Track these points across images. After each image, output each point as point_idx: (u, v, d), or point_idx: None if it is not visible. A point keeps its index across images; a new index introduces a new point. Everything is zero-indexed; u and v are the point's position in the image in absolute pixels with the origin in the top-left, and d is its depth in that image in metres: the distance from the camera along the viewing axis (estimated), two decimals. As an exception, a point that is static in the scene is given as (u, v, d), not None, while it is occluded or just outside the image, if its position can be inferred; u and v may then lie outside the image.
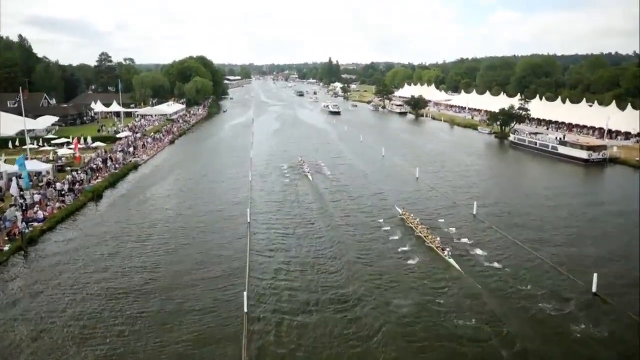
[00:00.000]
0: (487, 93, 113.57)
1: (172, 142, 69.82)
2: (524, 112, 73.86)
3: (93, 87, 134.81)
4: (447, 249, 26.45)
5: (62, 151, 51.05)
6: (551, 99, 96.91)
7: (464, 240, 28.87)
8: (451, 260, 25.56)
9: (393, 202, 36.65)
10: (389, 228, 31.03)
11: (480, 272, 24.53)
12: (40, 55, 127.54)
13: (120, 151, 54.75)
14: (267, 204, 37.41)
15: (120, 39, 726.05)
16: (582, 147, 55.39)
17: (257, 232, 30.78)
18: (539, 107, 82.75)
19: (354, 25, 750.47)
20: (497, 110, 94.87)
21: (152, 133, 69.20)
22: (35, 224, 31.23)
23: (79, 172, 43.31)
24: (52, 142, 58.53)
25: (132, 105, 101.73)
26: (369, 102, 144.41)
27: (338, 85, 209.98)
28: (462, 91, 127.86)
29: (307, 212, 35.13)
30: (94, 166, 46.86)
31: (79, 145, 53.44)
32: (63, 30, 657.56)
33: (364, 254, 27.13)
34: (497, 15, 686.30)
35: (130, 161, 52.30)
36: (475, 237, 29.51)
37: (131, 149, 56.61)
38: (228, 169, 50.19)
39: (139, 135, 66.78)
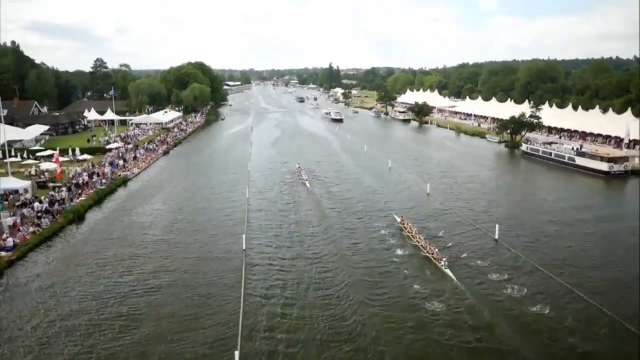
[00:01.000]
0: (493, 99, 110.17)
1: (166, 152, 66.33)
2: (535, 120, 70.50)
3: (89, 94, 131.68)
4: (444, 259, 26.05)
5: (45, 165, 47.46)
6: (558, 105, 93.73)
7: (494, 275, 25.22)
8: (447, 271, 25.31)
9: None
10: (405, 260, 27.50)
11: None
12: (38, 61, 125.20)
13: (109, 164, 51.25)
14: (265, 228, 33.60)
15: (120, 44, 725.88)
16: (602, 158, 51.85)
17: (253, 263, 27.19)
18: (549, 115, 79.13)
19: (354, 30, 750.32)
20: (504, 118, 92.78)
21: (144, 143, 65.60)
22: (4, 253, 27.68)
23: (61, 189, 39.80)
24: (38, 154, 54.99)
25: (127, 113, 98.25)
26: (370, 109, 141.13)
27: (339, 90, 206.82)
28: (467, 97, 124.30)
29: (310, 238, 31.33)
30: (80, 181, 43.40)
31: (65, 158, 49.96)
32: (63, 36, 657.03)
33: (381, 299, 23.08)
34: (496, 20, 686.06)
35: (119, 175, 48.76)
36: (504, 270, 25.88)
37: (121, 162, 53.08)
38: (224, 184, 46.49)
39: (130, 146, 63.25)
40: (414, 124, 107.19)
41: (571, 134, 75.87)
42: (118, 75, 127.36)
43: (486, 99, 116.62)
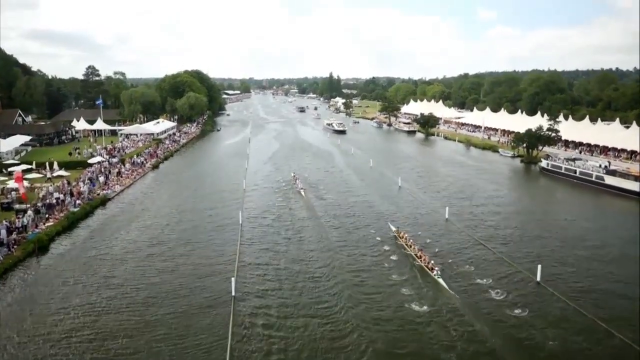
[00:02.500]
0: (502, 111, 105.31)
1: (155, 167, 61.08)
2: (553, 134, 65.52)
3: (81, 102, 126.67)
4: (437, 268, 26.04)
5: (13, 183, 42.04)
6: (566, 116, 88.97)
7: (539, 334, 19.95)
8: (440, 280, 25.18)
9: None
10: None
11: None
12: (35, 68, 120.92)
13: (87, 181, 45.97)
14: (259, 268, 28.17)
15: (121, 52, 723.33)
16: (636, 178, 46.72)
17: (243, 312, 21.84)
18: (565, 127, 74.14)
19: (353, 40, 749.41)
20: (514, 130, 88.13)
21: (132, 157, 60.31)
22: None
23: (27, 212, 34.50)
24: (10, 169, 49.62)
25: (117, 124, 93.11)
26: (372, 119, 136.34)
27: (339, 100, 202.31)
28: (475, 108, 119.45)
29: (313, 288, 25.54)
30: (51, 202, 38.10)
31: (36, 175, 44.67)
32: (64, 44, 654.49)
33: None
34: (495, 31, 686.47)
35: (98, 195, 43.46)
36: (547, 319, 20.59)
37: (102, 178, 47.79)
38: (214, 208, 40.78)
39: (115, 160, 57.95)
40: (420, 135, 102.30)
41: (591, 148, 70.89)
42: (111, 83, 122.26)
43: (493, 110, 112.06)
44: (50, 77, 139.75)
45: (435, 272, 25.66)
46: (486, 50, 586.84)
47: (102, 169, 51.94)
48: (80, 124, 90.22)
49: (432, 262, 26.93)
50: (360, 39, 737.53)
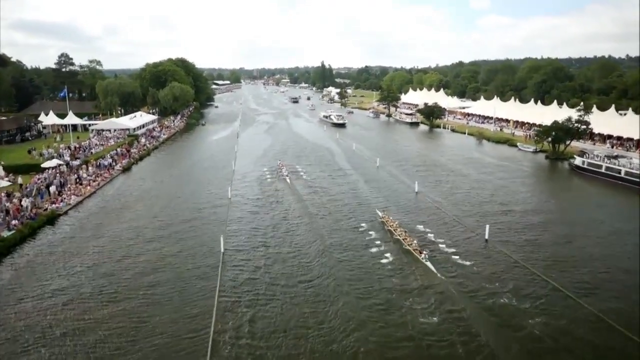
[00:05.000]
0: (512, 100, 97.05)
1: (126, 169, 52.21)
2: (582, 127, 57.59)
3: (53, 94, 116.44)
4: (425, 252, 26.02)
5: None
6: (575, 104, 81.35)
7: None
8: (428, 263, 25.08)
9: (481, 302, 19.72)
10: None
11: None
12: (23, 60, 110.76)
13: (36, 192, 37.15)
14: (249, 319, 20.11)
15: (111, 44, 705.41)
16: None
17: None
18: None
19: (345, 30, 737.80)
20: (528, 121, 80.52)
21: (96, 159, 51.29)
22: None
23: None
24: (-58, 177, 40.70)
25: (91, 117, 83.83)
26: (369, 109, 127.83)
27: (333, 90, 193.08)
28: (482, 97, 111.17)
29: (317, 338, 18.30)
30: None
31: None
32: (51, 35, 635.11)
33: None
34: (488, 20, 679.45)
35: (46, 209, 34.73)
36: None
37: (53, 188, 38.92)
38: (190, 230, 31.90)
39: (77, 162, 48.92)
40: (423, 127, 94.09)
41: (622, 142, 63.09)
42: (86, 72, 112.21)
43: (506, 100, 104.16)
44: (29, 67, 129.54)
45: (423, 256, 25.80)
46: (478, 39, 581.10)
47: (56, 174, 43.04)
48: (49, 119, 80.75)
49: (416, 242, 27.41)
50: (351, 29, 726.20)
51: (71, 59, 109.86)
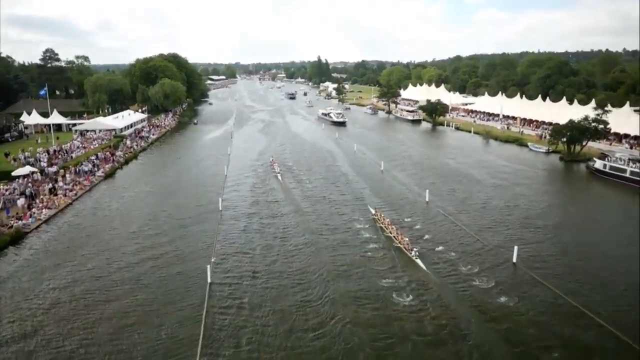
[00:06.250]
0: (518, 96, 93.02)
1: (110, 174, 47.99)
2: (600, 126, 53.74)
3: (39, 92, 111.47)
4: (415, 249, 26.12)
5: None
6: (584, 101, 77.71)
7: None
8: (418, 260, 25.22)
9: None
10: None
11: None
12: (15, 57, 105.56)
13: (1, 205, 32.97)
14: None
15: (105, 39, 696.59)
16: None
17: None
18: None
19: (341, 24, 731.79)
20: (536, 119, 76.87)
21: (75, 164, 46.99)
22: None
23: None
24: None
25: (70, 117, 79.27)
26: (367, 105, 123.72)
27: (330, 85, 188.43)
28: (486, 93, 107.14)
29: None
30: None
31: None
32: (44, 30, 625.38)
33: None
34: (482, 14, 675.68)
35: (11, 227, 30.57)
36: None
37: (21, 201, 34.72)
38: (174, 250, 27.91)
39: (54, 169, 44.61)
40: (425, 125, 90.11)
41: (638, 141, 59.31)
42: (73, 69, 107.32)
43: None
44: (23, 64, 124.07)
45: (413, 253, 26.00)
46: (473, 34, 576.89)
47: (30, 184, 38.81)
48: (32, 118, 76.22)
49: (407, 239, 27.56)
50: (347, 24, 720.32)
51: (57, 54, 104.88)
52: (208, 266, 24.08)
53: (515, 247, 26.21)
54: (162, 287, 23.30)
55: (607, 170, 46.21)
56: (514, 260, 25.75)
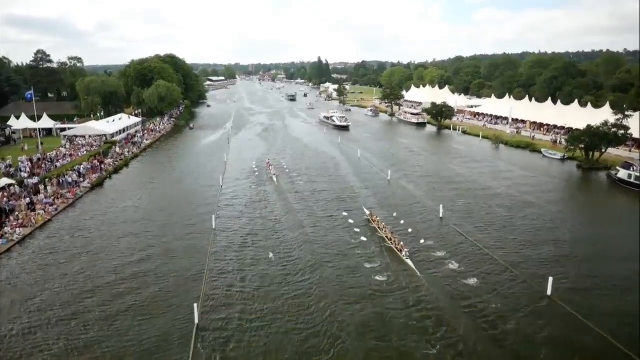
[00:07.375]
0: (527, 99, 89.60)
1: (98, 184, 44.57)
2: (621, 132, 50.38)
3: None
4: (405, 250, 26.41)
5: None
6: (593, 103, 74.57)
7: None
8: (408, 261, 25.46)
9: None
10: None
11: None
12: (14, 58, 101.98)
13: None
14: None
15: (104, 40, 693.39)
16: None
17: None
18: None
19: (340, 25, 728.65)
20: (548, 122, 73.60)
21: (59, 174, 43.52)
22: None
23: None
24: None
25: (58, 122, 75.81)
26: (369, 107, 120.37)
27: (330, 86, 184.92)
28: (492, 95, 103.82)
29: None
30: None
31: None
32: (43, 31, 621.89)
33: None
34: (482, 14, 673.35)
35: (-23, 252, 27.13)
36: None
37: (-8, 221, 31.29)
38: (158, 286, 24.18)
39: (35, 180, 41.11)
40: (430, 129, 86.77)
41: (661, 148, 55.94)
42: (66, 70, 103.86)
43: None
44: (15, 65, 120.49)
45: (404, 253, 26.24)
46: (472, 33, 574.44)
47: (6, 198, 35.34)
48: (20, 122, 72.88)
49: (402, 243, 27.38)
50: (347, 24, 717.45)
51: (49, 55, 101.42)
52: (195, 305, 20.64)
53: (551, 279, 22.77)
54: (140, 333, 19.78)
55: (632, 180, 42.77)
56: (549, 292, 22.35)
